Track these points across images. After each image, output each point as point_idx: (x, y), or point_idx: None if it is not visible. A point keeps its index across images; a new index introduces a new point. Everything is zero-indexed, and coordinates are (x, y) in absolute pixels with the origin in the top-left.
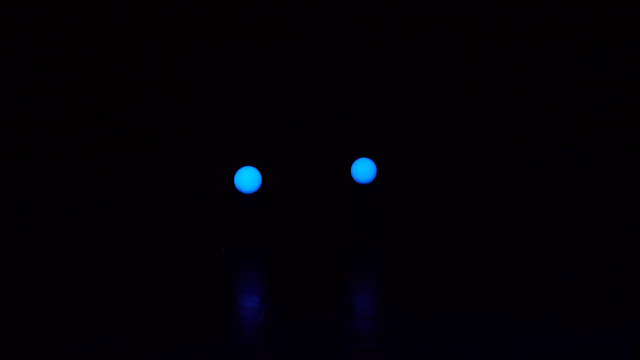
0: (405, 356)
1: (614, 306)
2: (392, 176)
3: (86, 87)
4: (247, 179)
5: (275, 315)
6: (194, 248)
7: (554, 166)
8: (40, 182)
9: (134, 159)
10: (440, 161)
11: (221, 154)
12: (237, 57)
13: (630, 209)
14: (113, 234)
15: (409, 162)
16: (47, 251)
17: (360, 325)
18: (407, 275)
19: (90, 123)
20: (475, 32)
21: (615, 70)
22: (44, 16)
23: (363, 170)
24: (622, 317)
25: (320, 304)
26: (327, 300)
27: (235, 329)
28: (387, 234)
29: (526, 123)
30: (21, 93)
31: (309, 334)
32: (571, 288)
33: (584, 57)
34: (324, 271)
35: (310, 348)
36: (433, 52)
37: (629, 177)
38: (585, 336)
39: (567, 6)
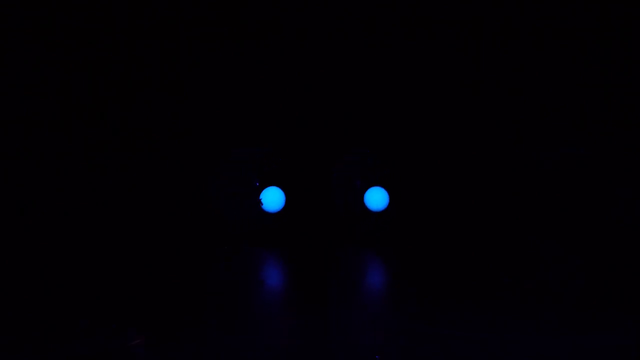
0: (405, 356)
1: (614, 306)
2: (391, 176)
3: (86, 87)
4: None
5: (275, 315)
6: (194, 248)
7: (554, 166)
8: (40, 182)
9: (134, 159)
10: (440, 161)
11: (221, 153)
12: (237, 57)
13: (630, 209)
14: (113, 234)
15: (409, 162)
16: (47, 251)
17: (360, 325)
18: (407, 275)
19: (90, 123)
20: (475, 32)
21: (615, 70)
22: (44, 16)
23: (376, 198)
24: (622, 317)
25: (320, 304)
26: (327, 300)
27: (235, 329)
28: (387, 234)
29: (526, 123)
30: (21, 93)
31: (309, 333)
32: (571, 288)
33: (584, 57)
34: (324, 271)
35: (310, 347)
36: (433, 52)
37: (629, 177)
38: (585, 336)
39: (567, 6)
